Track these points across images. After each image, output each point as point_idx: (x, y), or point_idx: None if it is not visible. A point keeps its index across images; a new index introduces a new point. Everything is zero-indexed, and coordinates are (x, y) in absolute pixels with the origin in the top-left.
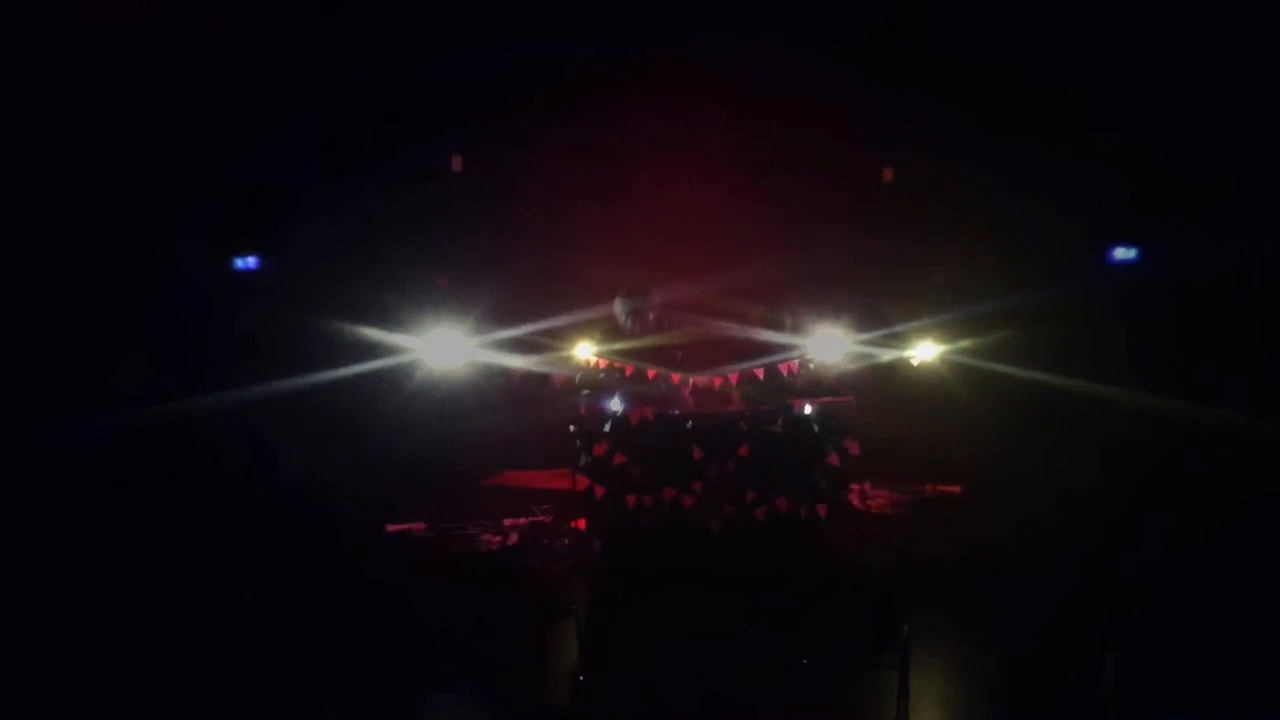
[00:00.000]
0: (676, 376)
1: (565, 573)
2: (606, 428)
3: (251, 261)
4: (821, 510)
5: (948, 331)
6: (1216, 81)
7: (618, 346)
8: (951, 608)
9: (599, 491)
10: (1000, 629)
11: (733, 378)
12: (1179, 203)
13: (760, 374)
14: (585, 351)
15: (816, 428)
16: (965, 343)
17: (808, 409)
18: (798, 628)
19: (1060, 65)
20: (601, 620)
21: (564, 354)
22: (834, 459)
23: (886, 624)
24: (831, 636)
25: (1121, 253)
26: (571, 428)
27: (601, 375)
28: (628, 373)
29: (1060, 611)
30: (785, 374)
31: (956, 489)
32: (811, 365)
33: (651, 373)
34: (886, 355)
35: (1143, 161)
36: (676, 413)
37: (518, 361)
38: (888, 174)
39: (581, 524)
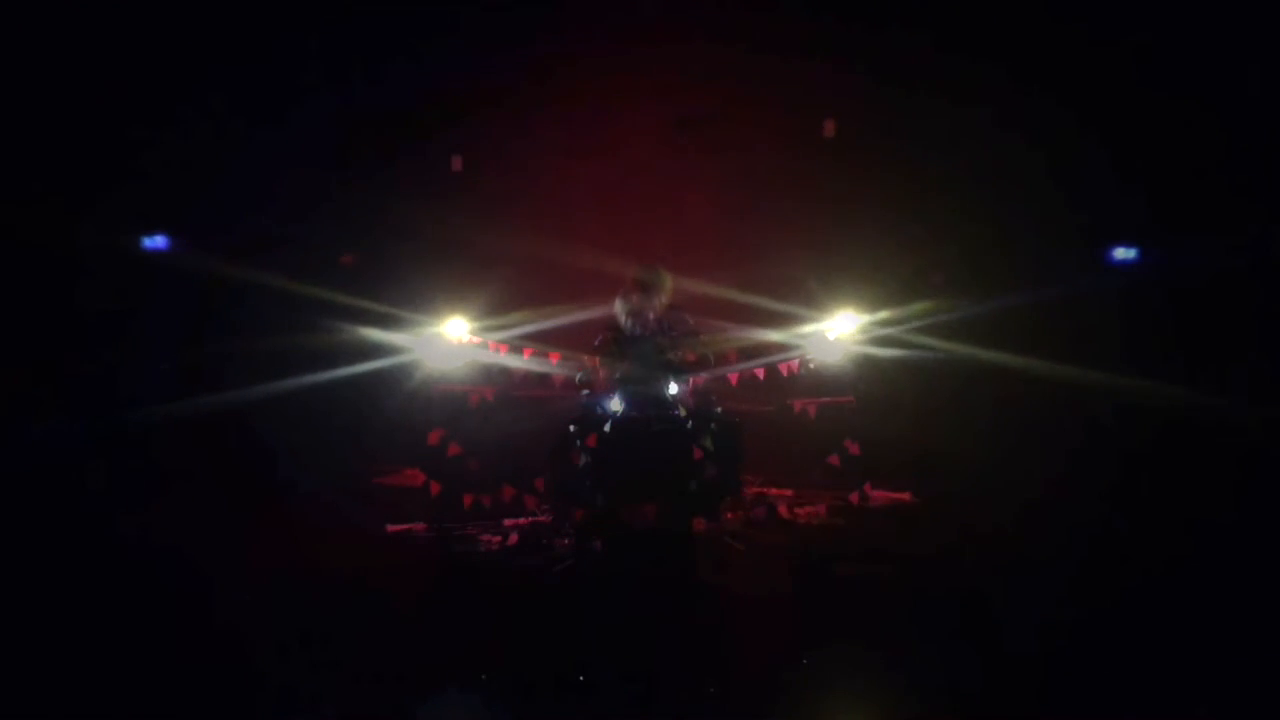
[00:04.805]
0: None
1: (565, 573)
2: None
3: (160, 240)
4: (697, 523)
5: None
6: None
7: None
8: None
9: (435, 488)
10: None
11: (732, 378)
12: (1179, 203)
13: (761, 373)
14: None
15: (690, 423)
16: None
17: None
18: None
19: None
20: (600, 619)
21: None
22: (833, 458)
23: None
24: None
25: (1121, 253)
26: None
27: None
28: (472, 400)
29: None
30: (785, 374)
31: (905, 496)
32: (811, 365)
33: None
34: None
35: (1144, 160)
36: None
37: (514, 362)
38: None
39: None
